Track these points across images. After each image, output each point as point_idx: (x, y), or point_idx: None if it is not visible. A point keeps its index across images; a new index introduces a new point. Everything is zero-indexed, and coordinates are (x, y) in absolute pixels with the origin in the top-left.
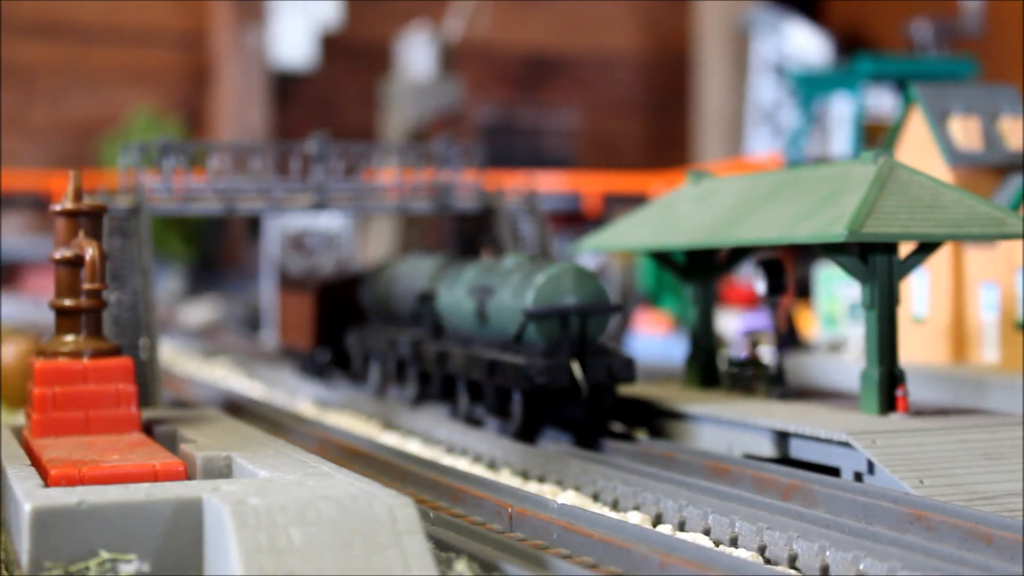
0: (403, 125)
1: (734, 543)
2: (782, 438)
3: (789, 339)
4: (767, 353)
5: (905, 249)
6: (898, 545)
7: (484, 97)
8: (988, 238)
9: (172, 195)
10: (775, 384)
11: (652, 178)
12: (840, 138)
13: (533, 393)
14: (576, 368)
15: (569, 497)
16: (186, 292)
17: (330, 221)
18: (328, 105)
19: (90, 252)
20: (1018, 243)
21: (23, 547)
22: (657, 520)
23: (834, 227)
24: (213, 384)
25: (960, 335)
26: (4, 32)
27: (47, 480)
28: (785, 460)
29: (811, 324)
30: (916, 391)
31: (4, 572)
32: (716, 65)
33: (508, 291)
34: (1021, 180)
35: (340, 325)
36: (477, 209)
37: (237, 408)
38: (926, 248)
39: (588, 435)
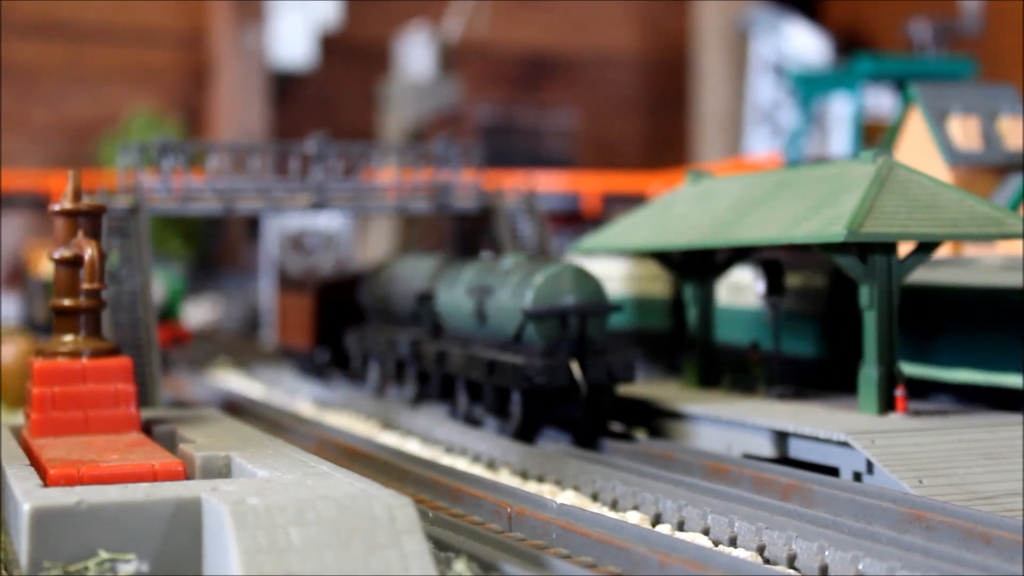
0: (402, 125)
1: (733, 543)
2: (781, 438)
3: None
4: (766, 353)
5: (904, 249)
6: (897, 545)
7: (483, 97)
8: (987, 238)
9: (171, 195)
10: (774, 384)
11: (651, 178)
12: (839, 138)
13: (532, 393)
14: (575, 368)
15: (568, 497)
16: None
17: (329, 221)
18: (327, 105)
19: (89, 252)
20: (1017, 243)
21: (22, 547)
22: (656, 520)
23: (833, 227)
24: (213, 384)
25: None
26: (3, 32)
27: (46, 480)
28: (784, 460)
29: None
30: None
31: (3, 572)
32: (715, 65)
33: (507, 291)
34: (1021, 180)
35: (339, 325)
36: (476, 209)
37: (237, 408)
38: (925, 248)
39: (587, 435)
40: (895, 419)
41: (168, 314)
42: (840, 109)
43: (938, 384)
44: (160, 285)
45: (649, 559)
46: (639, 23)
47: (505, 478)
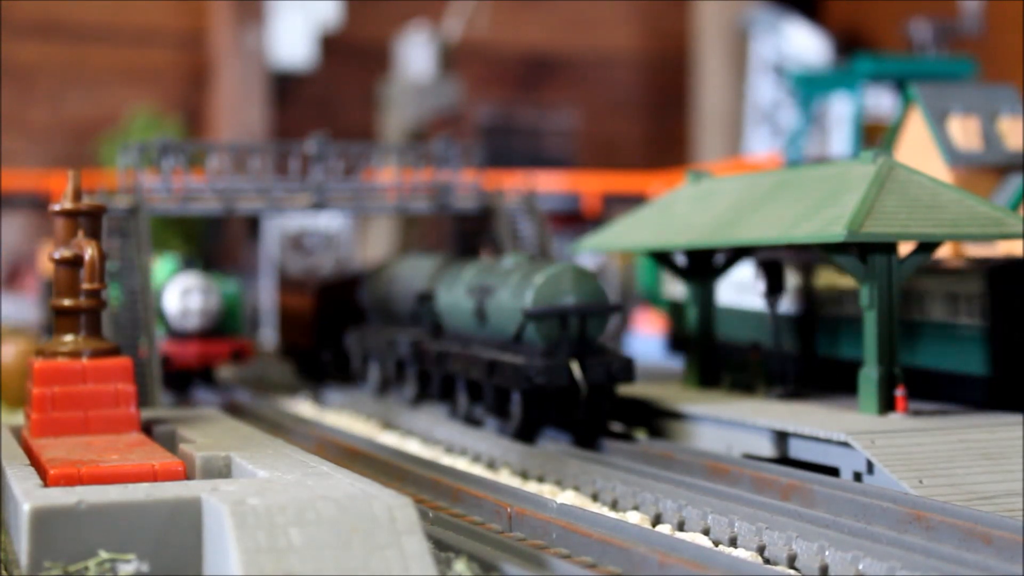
0: (402, 125)
1: (733, 543)
2: (781, 438)
3: None
4: (767, 353)
5: (905, 249)
6: (897, 545)
7: (483, 97)
8: (987, 238)
9: (171, 195)
10: (775, 384)
11: (651, 178)
12: (839, 138)
13: (532, 393)
14: (575, 368)
15: (568, 497)
16: None
17: (329, 221)
18: (327, 105)
19: (89, 252)
20: (1018, 243)
21: (22, 547)
22: (656, 520)
23: (833, 227)
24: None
25: None
26: (4, 32)
27: (46, 480)
28: (784, 460)
29: None
30: None
31: (4, 572)
32: (716, 65)
33: (507, 291)
34: (1021, 180)
35: (340, 325)
36: (476, 209)
37: (237, 408)
38: (925, 248)
39: (587, 435)
40: (895, 419)
41: (227, 326)
42: (840, 109)
43: None
44: (214, 293)
45: (649, 559)
46: (639, 23)
47: (505, 478)
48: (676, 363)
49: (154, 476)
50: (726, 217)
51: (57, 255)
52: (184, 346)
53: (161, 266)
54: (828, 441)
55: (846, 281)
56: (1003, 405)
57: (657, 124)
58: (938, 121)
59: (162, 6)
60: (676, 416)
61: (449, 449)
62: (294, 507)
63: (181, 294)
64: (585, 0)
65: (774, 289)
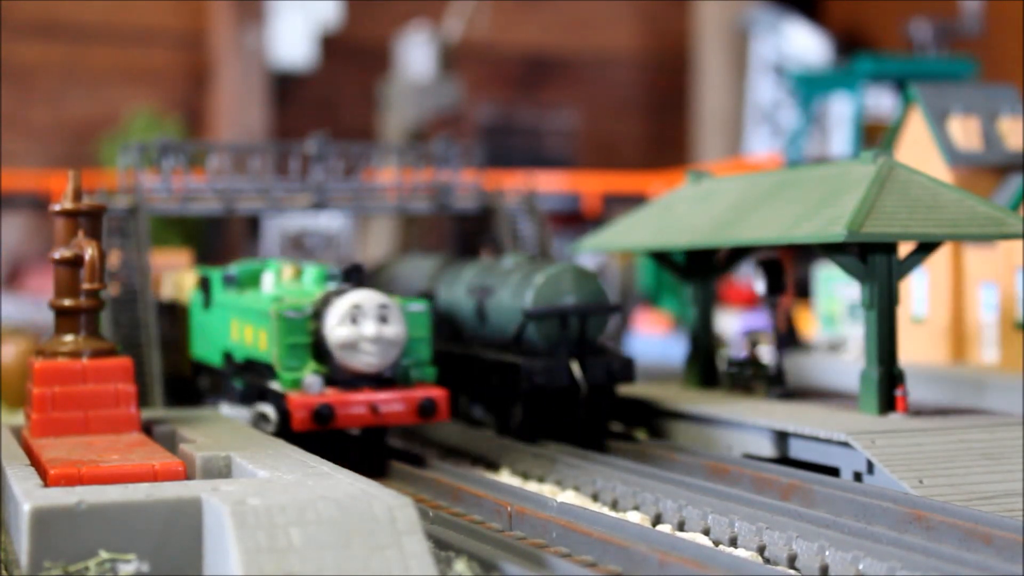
0: (402, 125)
1: (733, 543)
2: (781, 438)
3: (788, 339)
4: (767, 353)
5: (904, 249)
6: (897, 545)
7: (484, 97)
8: (987, 238)
9: (171, 195)
10: (775, 384)
11: (652, 178)
12: (839, 138)
13: (532, 393)
14: (575, 368)
15: (568, 497)
16: None
17: (329, 221)
18: (327, 105)
19: (89, 252)
20: (1017, 243)
21: (22, 547)
22: (656, 520)
23: (833, 227)
24: None
25: (959, 335)
26: (4, 32)
27: (46, 480)
28: (784, 460)
29: (811, 324)
30: (916, 391)
31: (4, 572)
32: (716, 65)
33: (507, 291)
34: (1021, 180)
35: None
36: (476, 209)
37: None
38: (925, 248)
39: (587, 435)
40: (895, 419)
41: (412, 372)
42: (840, 109)
43: None
44: (396, 316)
45: (649, 558)
46: (639, 23)
47: (506, 478)
48: (676, 363)
49: (154, 476)
50: (726, 217)
51: (57, 255)
52: (350, 395)
53: (304, 278)
54: (828, 441)
55: None
56: None
57: (657, 124)
58: (938, 121)
59: (162, 6)
60: (676, 416)
61: (450, 449)
62: (294, 507)
63: (346, 316)
64: (585, 0)
65: (774, 289)
